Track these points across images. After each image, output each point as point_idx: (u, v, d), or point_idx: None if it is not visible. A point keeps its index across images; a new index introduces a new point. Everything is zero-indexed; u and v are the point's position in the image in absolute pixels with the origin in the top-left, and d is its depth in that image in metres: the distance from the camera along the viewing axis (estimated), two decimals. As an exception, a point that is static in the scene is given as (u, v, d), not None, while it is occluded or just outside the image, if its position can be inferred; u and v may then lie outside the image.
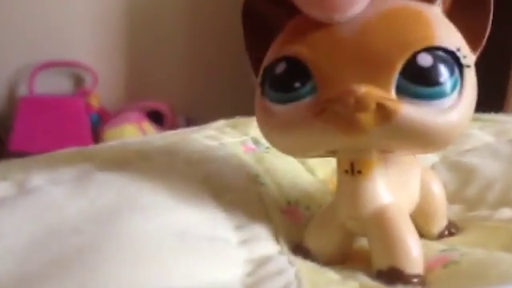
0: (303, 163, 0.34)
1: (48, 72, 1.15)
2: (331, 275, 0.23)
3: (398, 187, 0.24)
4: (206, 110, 0.73)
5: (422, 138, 0.21)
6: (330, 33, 0.21)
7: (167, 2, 1.18)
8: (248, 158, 0.33)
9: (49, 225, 0.24)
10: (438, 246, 0.26)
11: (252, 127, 0.38)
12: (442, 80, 0.20)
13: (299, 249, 0.25)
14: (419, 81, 0.20)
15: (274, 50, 0.23)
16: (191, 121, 1.05)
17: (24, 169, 0.30)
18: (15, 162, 0.33)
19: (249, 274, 0.23)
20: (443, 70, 0.20)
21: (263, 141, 0.35)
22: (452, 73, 0.21)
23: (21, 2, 1.13)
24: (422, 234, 0.27)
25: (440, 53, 0.20)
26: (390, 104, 0.20)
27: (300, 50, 0.22)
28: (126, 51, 1.20)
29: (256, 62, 0.25)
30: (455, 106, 0.21)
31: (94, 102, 1.12)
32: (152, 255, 0.23)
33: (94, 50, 1.18)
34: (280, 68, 0.22)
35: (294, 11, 0.22)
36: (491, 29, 0.23)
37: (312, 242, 0.25)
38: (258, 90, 0.23)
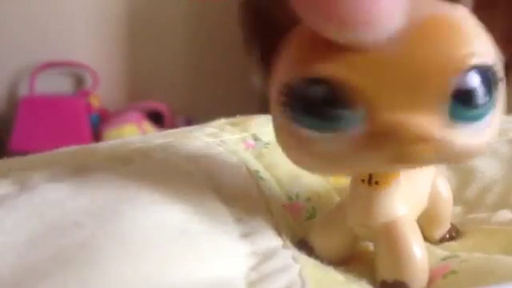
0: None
1: (49, 72, 1.16)
2: (335, 276, 0.23)
3: (409, 197, 0.23)
4: (206, 110, 0.74)
5: (469, 159, 0.21)
6: (366, 50, 0.18)
7: (167, 3, 1.18)
8: (248, 155, 0.34)
9: (50, 220, 0.24)
10: (439, 252, 0.26)
11: (252, 125, 0.38)
12: (488, 99, 0.19)
13: (303, 245, 0.25)
14: (469, 103, 0.19)
15: (296, 62, 0.20)
16: (191, 121, 1.05)
17: (25, 166, 0.30)
18: (16, 160, 0.33)
19: (253, 269, 0.23)
20: (488, 89, 0.19)
21: (263, 137, 0.36)
22: (494, 90, 0.20)
23: (21, 2, 1.13)
24: (425, 237, 0.27)
25: (483, 69, 0.19)
26: (447, 135, 0.19)
27: (338, 70, 0.18)
28: (126, 51, 1.20)
29: (262, 57, 0.23)
30: (493, 121, 0.20)
31: (95, 103, 1.12)
32: (153, 251, 0.23)
33: (95, 51, 1.19)
34: (315, 91, 0.19)
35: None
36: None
37: (316, 240, 0.25)
38: (279, 110, 0.20)
